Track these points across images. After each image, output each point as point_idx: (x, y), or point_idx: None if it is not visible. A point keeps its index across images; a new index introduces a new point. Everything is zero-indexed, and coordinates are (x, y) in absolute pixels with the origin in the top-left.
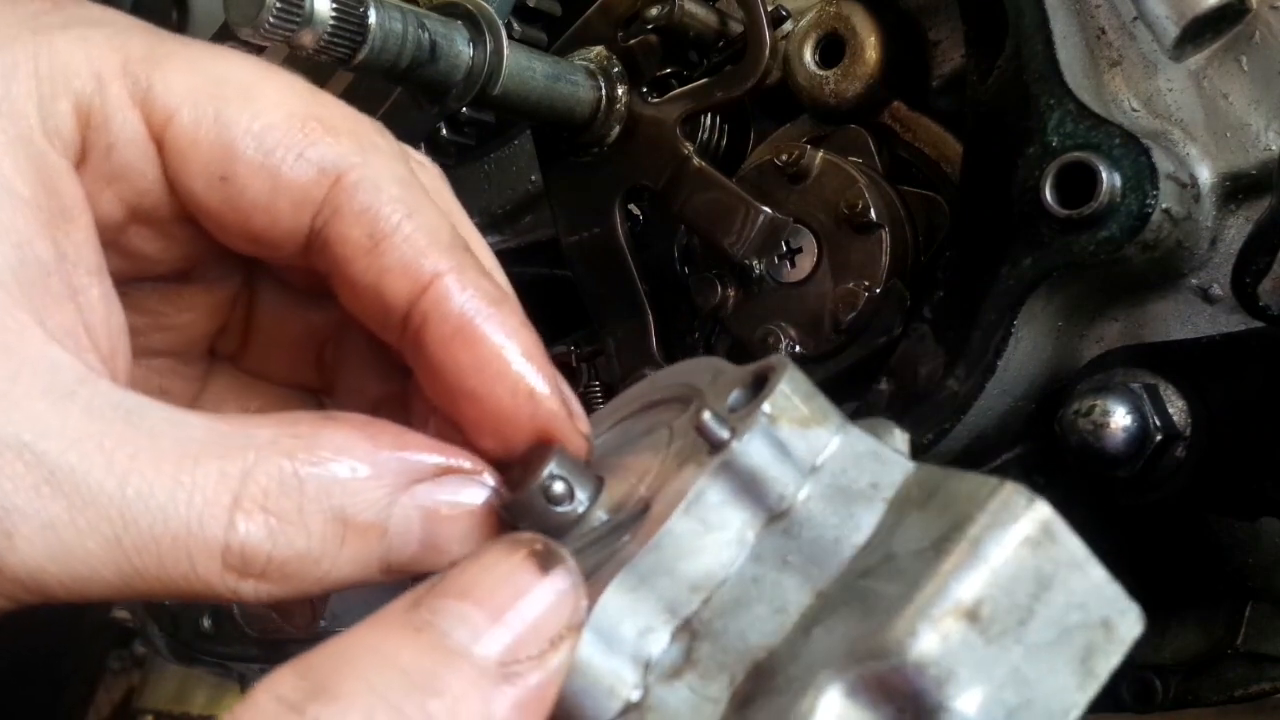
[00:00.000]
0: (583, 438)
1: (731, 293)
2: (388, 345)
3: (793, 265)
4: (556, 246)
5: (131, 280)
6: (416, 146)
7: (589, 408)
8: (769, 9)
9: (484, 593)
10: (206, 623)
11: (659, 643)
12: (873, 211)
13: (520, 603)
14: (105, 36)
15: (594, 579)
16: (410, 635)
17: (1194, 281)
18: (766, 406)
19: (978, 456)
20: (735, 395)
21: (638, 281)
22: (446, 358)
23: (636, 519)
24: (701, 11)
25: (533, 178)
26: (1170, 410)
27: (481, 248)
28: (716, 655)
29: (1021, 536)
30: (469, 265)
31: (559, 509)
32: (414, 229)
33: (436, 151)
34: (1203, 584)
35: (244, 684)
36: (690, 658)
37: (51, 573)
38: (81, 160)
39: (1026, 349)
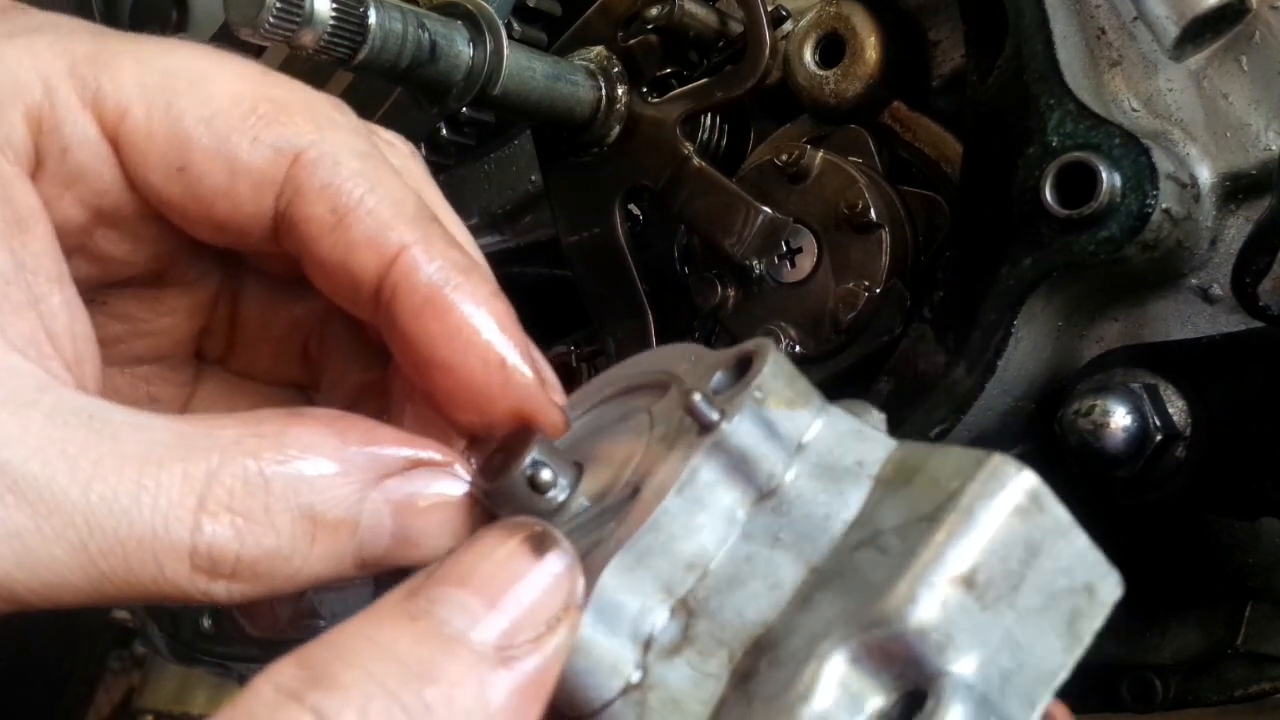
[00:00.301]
0: (557, 408)
1: (731, 293)
2: (365, 326)
3: (793, 265)
4: (556, 246)
5: (105, 286)
6: (416, 146)
7: None
8: (769, 9)
9: (480, 578)
10: (206, 623)
11: (657, 621)
12: (873, 211)
13: (516, 587)
14: (49, 42)
15: (587, 561)
16: (407, 624)
17: (1194, 281)
18: (755, 386)
19: None
20: (718, 378)
21: (638, 281)
22: (418, 329)
23: (625, 503)
24: (701, 11)
25: (533, 178)
26: (1170, 410)
27: (452, 220)
28: (714, 632)
29: (1012, 505)
30: (436, 235)
31: (542, 496)
32: (377, 202)
33: (436, 151)
34: (1203, 584)
35: (244, 684)
36: (688, 635)
37: (20, 580)
38: (37, 167)
39: (1026, 349)
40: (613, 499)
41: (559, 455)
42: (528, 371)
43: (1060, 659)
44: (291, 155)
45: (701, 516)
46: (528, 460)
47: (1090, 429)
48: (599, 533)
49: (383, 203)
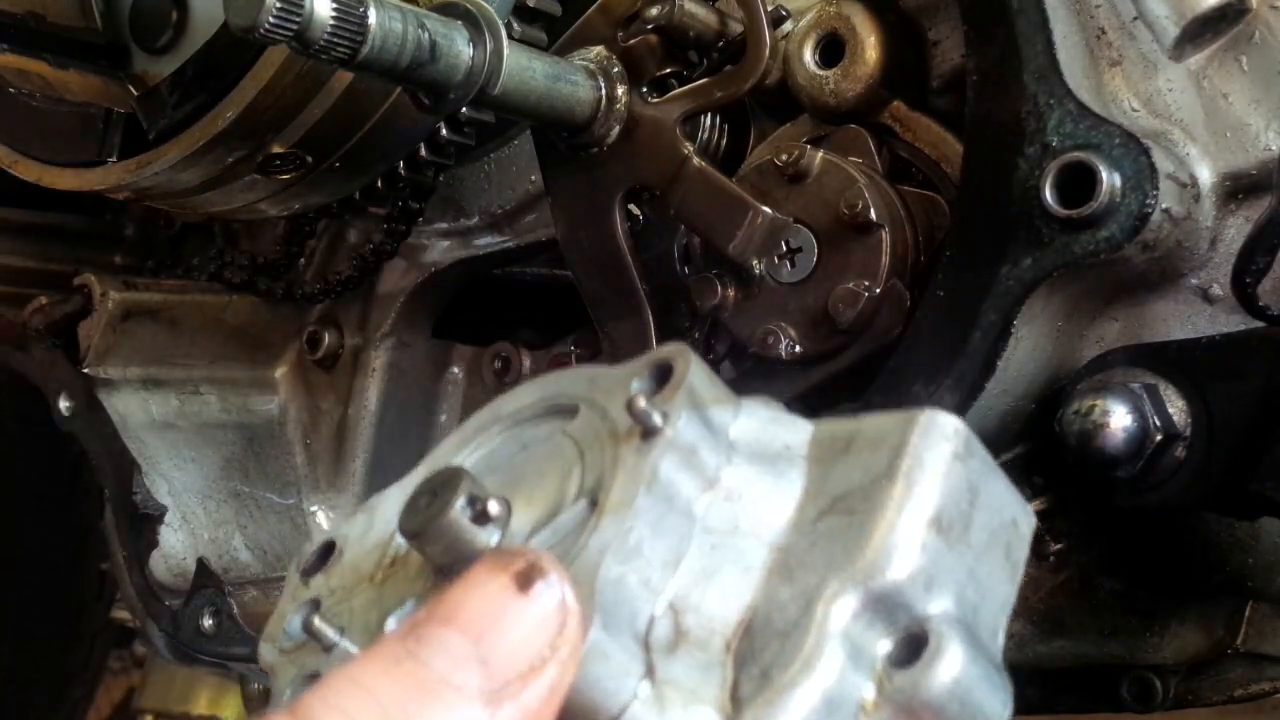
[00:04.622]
0: None
1: (731, 293)
2: None
3: (793, 265)
4: (556, 246)
5: None
6: (416, 146)
7: None
8: (769, 9)
9: (466, 617)
10: (207, 623)
11: (652, 621)
12: (873, 211)
13: (501, 625)
14: None
15: (573, 574)
16: (391, 667)
17: (1194, 281)
18: (691, 387)
19: None
20: (638, 384)
21: (638, 281)
22: None
23: (586, 517)
24: (701, 11)
25: (533, 178)
26: (1170, 410)
27: None
28: (703, 622)
29: (951, 452)
30: None
31: (482, 529)
32: None
33: (436, 151)
34: (1203, 584)
35: (244, 684)
36: (680, 630)
37: None
38: None
39: (1026, 349)
40: (567, 518)
41: (484, 488)
42: None
43: (1008, 588)
44: None
45: (669, 514)
46: (464, 494)
47: (1090, 429)
48: (566, 549)
49: None
